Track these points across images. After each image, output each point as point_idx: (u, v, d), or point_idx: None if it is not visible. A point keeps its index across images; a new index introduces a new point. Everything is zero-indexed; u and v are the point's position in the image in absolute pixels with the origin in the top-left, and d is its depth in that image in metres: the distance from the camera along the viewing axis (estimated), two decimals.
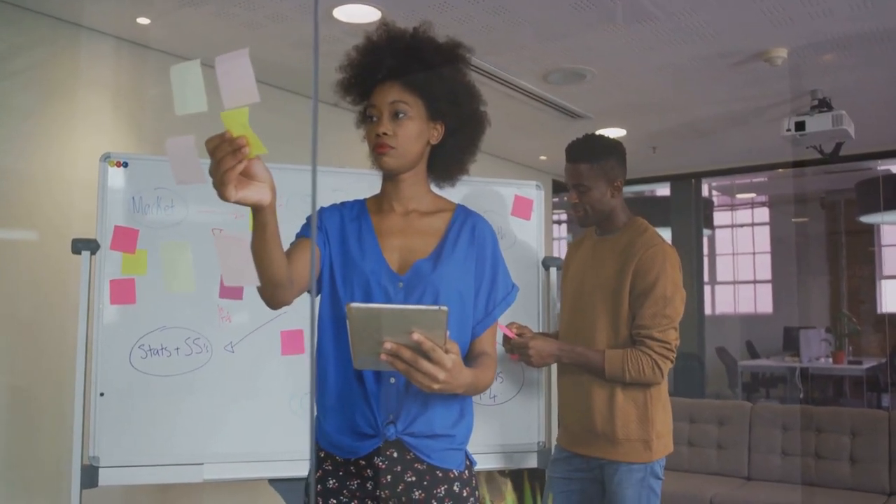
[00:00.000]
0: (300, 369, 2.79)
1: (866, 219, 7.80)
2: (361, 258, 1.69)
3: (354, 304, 1.37)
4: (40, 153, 3.35)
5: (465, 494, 1.69)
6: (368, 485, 1.66)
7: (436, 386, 1.43)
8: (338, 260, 1.71)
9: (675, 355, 2.33)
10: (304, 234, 1.72)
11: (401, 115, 1.66)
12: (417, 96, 1.68)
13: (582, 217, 2.50)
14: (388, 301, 1.65)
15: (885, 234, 9.94)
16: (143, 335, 2.67)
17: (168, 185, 2.72)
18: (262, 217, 1.31)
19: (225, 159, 1.12)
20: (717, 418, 4.75)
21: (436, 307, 1.37)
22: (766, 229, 10.75)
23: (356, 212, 1.78)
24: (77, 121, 3.47)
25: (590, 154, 2.41)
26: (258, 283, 1.14)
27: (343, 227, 1.75)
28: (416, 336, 1.38)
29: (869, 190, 7.47)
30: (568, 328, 2.52)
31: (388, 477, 1.64)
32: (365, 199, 1.82)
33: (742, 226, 10.95)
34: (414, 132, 1.68)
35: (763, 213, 10.82)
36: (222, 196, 1.16)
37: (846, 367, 8.21)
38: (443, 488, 1.66)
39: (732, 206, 10.86)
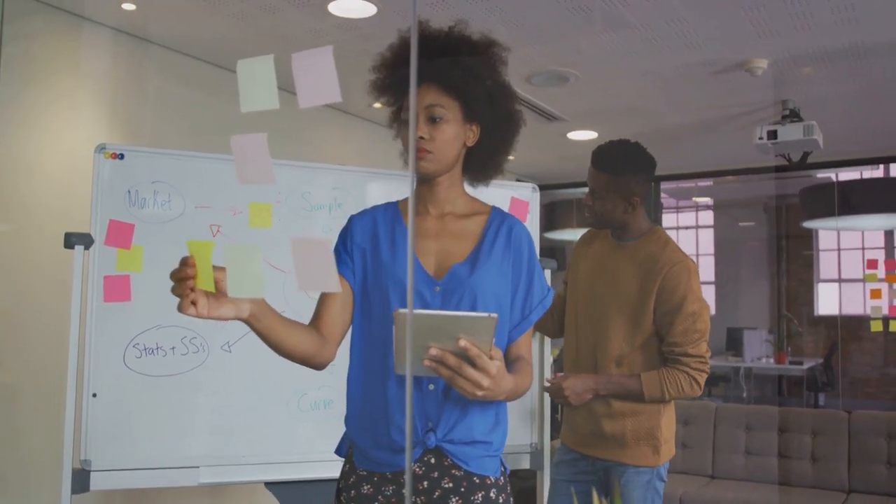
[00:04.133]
0: (298, 370, 2.72)
1: (810, 224, 8.06)
2: (394, 262, 1.66)
3: (403, 310, 1.35)
4: (19, 140, 3.20)
5: (501, 501, 1.68)
6: (405, 491, 1.63)
7: (479, 393, 1.42)
8: (370, 265, 1.68)
9: (709, 367, 2.35)
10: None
11: (437, 119, 1.63)
12: (454, 98, 1.66)
13: (590, 220, 2.49)
14: (425, 305, 1.63)
15: (823, 239, 10.30)
16: (137, 334, 2.58)
17: (165, 178, 2.64)
18: (252, 326, 1.39)
19: (176, 284, 1.22)
20: (683, 418, 4.84)
21: (486, 314, 1.36)
22: (711, 232, 11.01)
23: (389, 214, 1.75)
24: (61, 108, 3.34)
25: (613, 166, 2.38)
26: (337, 290, 1.11)
27: (375, 230, 1.71)
28: (463, 342, 1.37)
29: (813, 196, 7.69)
30: (577, 333, 2.50)
31: (425, 483, 1.62)
32: (397, 202, 1.79)
33: (687, 228, 11.20)
34: (451, 135, 1.66)
35: (708, 216, 11.08)
36: (180, 310, 1.25)
37: (788, 367, 8.49)
38: (480, 495, 1.64)
39: (678, 209, 11.10)
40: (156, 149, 2.68)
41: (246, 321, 1.35)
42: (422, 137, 1.62)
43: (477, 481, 1.64)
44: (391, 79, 1.72)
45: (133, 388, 2.57)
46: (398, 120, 1.74)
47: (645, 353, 2.38)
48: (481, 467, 1.66)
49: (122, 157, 2.59)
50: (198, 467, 2.61)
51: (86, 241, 2.52)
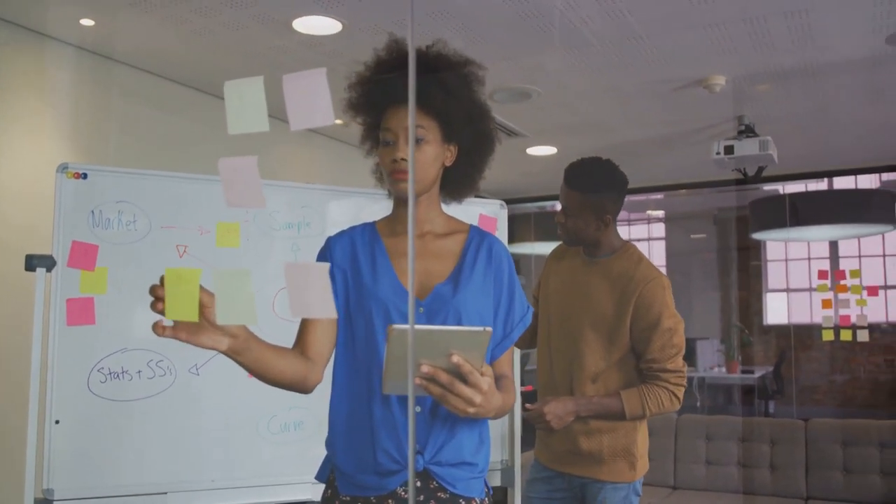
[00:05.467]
0: (268, 392, 2.67)
1: (760, 235, 8.23)
2: (375, 284, 1.64)
3: (397, 326, 1.32)
4: None
5: None
6: None
7: (471, 410, 1.40)
8: (352, 287, 1.66)
9: (686, 380, 2.36)
10: None
11: (418, 140, 1.63)
12: (433, 119, 1.65)
13: (562, 237, 2.49)
14: None
15: (771, 250, 10.53)
16: (102, 358, 2.51)
17: (130, 198, 2.58)
18: (233, 359, 1.37)
19: (152, 303, 1.20)
20: None
21: (481, 329, 1.33)
22: (663, 244, 11.17)
23: (367, 236, 1.73)
24: (22, 127, 3.25)
25: (585, 184, 2.37)
26: (333, 315, 1.10)
27: (355, 252, 1.70)
28: (456, 358, 1.34)
29: (764, 208, 7.86)
30: (551, 350, 2.50)
31: None
32: (374, 222, 1.77)
33: (639, 240, 11.34)
34: (431, 157, 1.65)
35: (660, 229, 11.24)
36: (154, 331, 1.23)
37: (740, 376, 8.66)
38: None
39: (630, 222, 11.23)
40: (120, 168, 2.62)
41: (225, 353, 1.32)
42: (403, 159, 1.61)
43: None
44: (367, 97, 1.70)
45: (98, 414, 2.49)
46: (371, 138, 1.73)
47: (621, 370, 2.39)
48: (468, 489, 1.65)
49: (85, 176, 2.53)
50: (165, 493, 2.54)
51: (48, 263, 2.45)
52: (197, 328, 1.24)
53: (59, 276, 2.47)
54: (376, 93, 1.68)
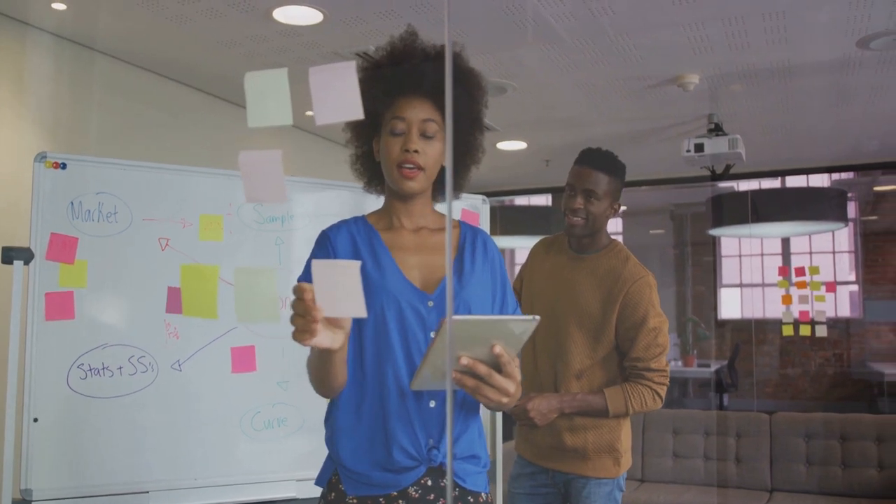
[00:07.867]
0: (250, 388, 2.64)
1: (719, 231, 8.37)
2: (381, 277, 1.62)
3: (455, 317, 1.30)
4: None
5: None
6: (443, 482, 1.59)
7: (505, 400, 1.39)
8: None
9: (668, 379, 2.38)
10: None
11: (430, 135, 1.61)
12: (443, 118, 1.64)
13: (580, 225, 2.39)
14: (422, 320, 1.59)
15: (725, 246, 10.73)
16: (82, 354, 2.44)
17: (110, 189, 2.51)
18: (327, 357, 1.37)
19: (301, 315, 1.19)
20: None
21: (530, 317, 1.31)
22: (620, 239, 11.29)
23: (362, 229, 1.70)
24: None
25: (611, 167, 2.36)
26: (364, 315, 1.08)
27: (356, 245, 1.67)
28: (499, 349, 1.32)
29: (724, 205, 8.00)
30: (535, 347, 2.47)
31: None
32: (364, 216, 1.74)
33: None
34: (439, 153, 1.63)
35: (617, 224, 11.36)
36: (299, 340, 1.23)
37: (696, 370, 8.81)
38: None
39: None
40: (100, 158, 2.55)
41: (327, 349, 1.27)
42: (416, 151, 1.58)
43: (472, 500, 1.62)
44: (378, 83, 1.66)
45: (77, 412, 2.42)
46: (358, 127, 1.70)
47: (605, 367, 2.40)
48: (476, 484, 1.64)
49: (64, 166, 2.45)
50: (147, 492, 2.48)
51: (26, 255, 2.37)
52: (324, 328, 1.20)
53: (38, 270, 2.40)
54: (389, 80, 1.63)
